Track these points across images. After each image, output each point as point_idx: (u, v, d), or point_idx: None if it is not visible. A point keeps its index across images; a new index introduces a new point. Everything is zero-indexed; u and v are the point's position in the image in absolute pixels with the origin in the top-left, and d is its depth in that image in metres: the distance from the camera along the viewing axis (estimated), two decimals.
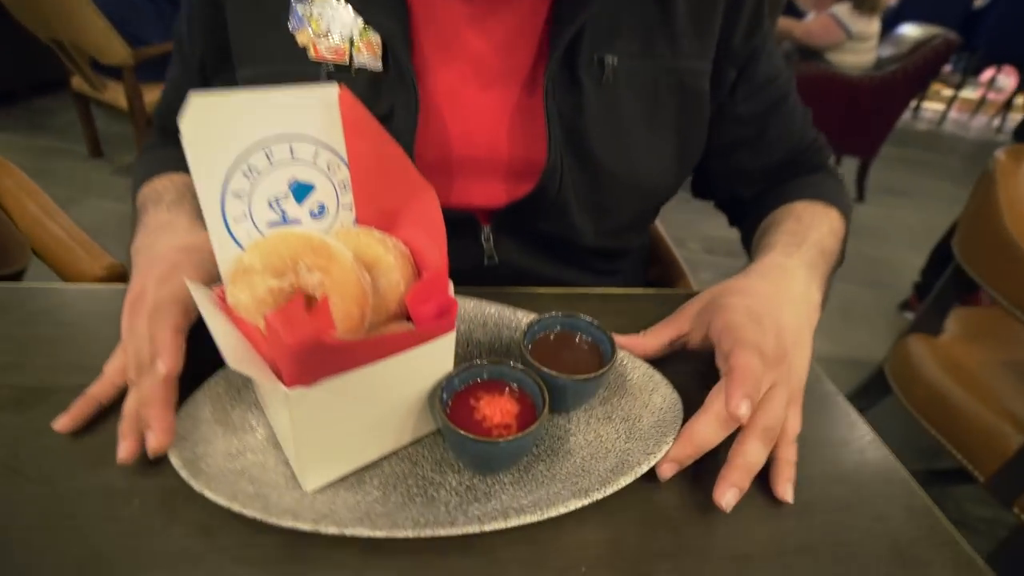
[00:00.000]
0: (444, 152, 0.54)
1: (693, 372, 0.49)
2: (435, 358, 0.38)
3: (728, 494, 0.37)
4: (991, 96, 4.76)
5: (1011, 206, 0.88)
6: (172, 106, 0.57)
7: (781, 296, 0.47)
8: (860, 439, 0.47)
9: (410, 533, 0.34)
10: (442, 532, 0.34)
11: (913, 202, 2.79)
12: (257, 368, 0.32)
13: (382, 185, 0.39)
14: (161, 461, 0.37)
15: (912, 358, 1.04)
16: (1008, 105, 4.44)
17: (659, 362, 0.49)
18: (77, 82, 2.19)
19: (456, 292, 0.39)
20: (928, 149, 3.78)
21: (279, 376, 0.32)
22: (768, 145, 0.60)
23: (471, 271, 0.59)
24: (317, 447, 0.36)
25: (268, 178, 0.36)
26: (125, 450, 0.37)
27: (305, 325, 0.29)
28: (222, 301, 0.36)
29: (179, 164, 0.34)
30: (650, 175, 0.55)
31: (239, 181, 0.35)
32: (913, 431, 1.01)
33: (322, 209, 0.39)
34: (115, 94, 2.09)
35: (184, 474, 0.36)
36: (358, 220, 0.41)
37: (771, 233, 0.55)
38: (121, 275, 0.77)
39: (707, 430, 0.39)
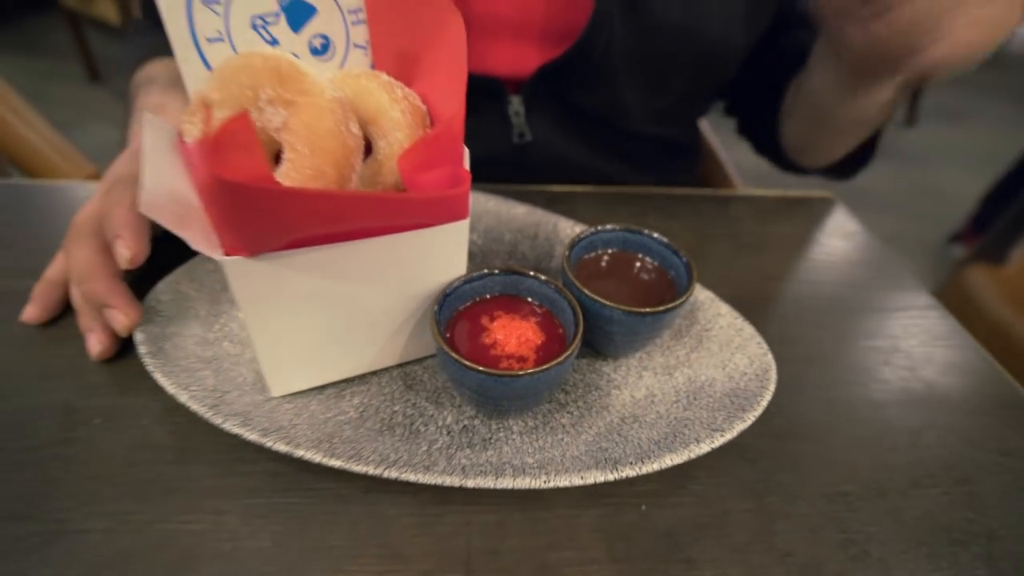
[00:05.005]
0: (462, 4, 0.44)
1: (788, 337, 0.36)
2: (436, 253, 0.29)
3: None
4: None
5: None
6: None
7: None
8: None
9: (370, 469, 0.26)
10: (411, 477, 0.26)
11: (971, 125, 2.46)
12: (185, 224, 0.24)
13: (403, 16, 0.29)
14: (123, 377, 0.31)
15: (972, 289, 0.95)
16: None
17: (755, 314, 0.36)
18: None
19: (482, 187, 0.29)
20: (992, 68, 2.92)
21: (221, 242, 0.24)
22: None
23: (499, 152, 0.50)
24: (277, 343, 0.28)
25: None
26: (97, 343, 0.31)
27: (237, 159, 0.20)
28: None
29: (170, 49, 0.25)
30: (715, 30, 0.46)
31: None
32: None
33: (326, 45, 0.30)
34: (105, 7, 1.99)
35: (143, 351, 0.30)
36: (375, 65, 0.32)
37: None
38: None
39: None
